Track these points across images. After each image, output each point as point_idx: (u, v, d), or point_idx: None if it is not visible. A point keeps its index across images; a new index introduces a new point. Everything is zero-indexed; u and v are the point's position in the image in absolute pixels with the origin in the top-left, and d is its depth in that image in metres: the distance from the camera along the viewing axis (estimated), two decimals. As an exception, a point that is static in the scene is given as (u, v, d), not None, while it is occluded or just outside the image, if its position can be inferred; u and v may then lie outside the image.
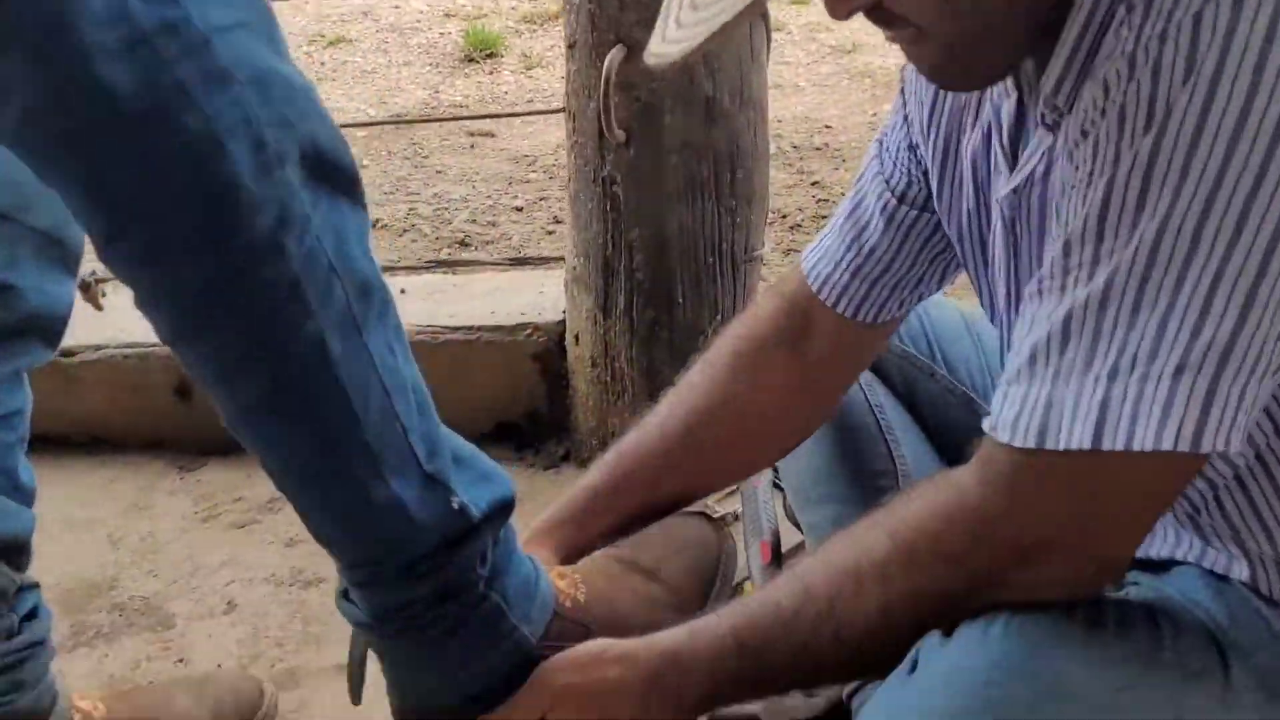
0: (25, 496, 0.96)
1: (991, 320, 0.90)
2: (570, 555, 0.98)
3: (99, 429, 1.68)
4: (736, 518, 1.40)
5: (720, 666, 0.76)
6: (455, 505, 0.81)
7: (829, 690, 1.10)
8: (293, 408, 0.75)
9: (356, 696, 0.91)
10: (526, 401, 1.60)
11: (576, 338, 1.50)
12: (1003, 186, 0.78)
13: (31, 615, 0.98)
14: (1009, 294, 0.82)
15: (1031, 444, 0.62)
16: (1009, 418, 0.64)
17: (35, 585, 0.99)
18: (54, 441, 1.72)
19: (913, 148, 0.90)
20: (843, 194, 2.84)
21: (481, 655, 0.85)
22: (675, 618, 1.02)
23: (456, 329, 1.58)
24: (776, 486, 1.37)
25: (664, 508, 1.02)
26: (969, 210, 0.86)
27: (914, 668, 0.68)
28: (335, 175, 0.75)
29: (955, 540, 0.67)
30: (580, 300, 1.48)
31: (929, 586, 0.68)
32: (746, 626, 0.75)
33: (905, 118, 0.90)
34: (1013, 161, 0.77)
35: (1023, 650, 0.64)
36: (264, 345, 0.73)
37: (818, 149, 3.00)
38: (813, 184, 2.70)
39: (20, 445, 0.96)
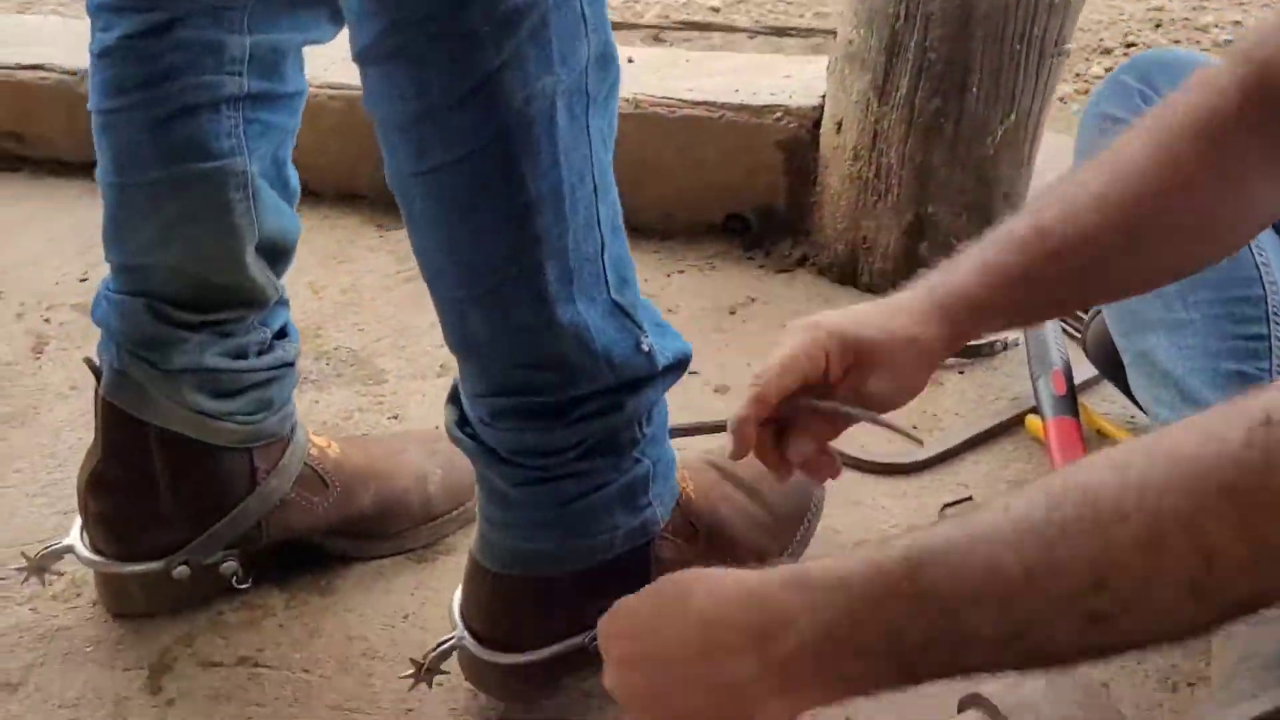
0: (290, 197, 0.85)
1: None
2: (931, 349, 0.73)
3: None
4: (1005, 346, 1.25)
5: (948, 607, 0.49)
6: (645, 347, 0.69)
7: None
8: (496, 179, 0.61)
9: None
10: (763, 195, 1.44)
11: (839, 125, 1.33)
12: None
13: (282, 334, 0.89)
14: None
15: None
16: None
17: (287, 302, 0.89)
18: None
19: None
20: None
21: (610, 526, 0.73)
22: (772, 543, 0.88)
23: (697, 104, 1.42)
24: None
25: (1056, 307, 0.82)
26: None
27: None
28: None
29: None
30: (851, 81, 1.30)
31: None
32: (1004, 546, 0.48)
33: None
34: None
35: None
36: (486, 88, 0.58)
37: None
38: None
39: (293, 137, 0.84)
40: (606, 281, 0.67)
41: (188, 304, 0.81)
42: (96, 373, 0.84)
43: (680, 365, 0.74)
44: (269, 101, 0.80)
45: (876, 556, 0.52)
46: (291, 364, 0.89)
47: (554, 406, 0.68)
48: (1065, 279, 0.73)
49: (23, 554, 0.89)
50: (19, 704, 0.84)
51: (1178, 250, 0.75)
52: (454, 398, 0.75)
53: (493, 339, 0.67)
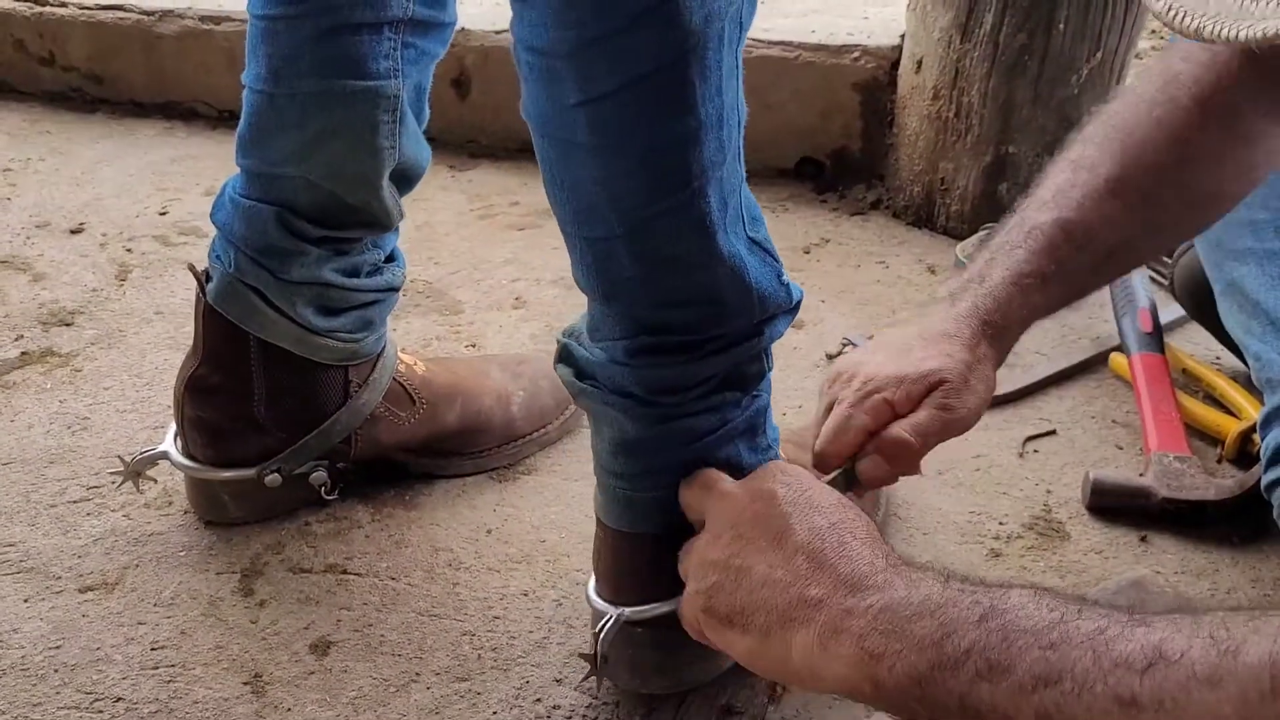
0: (422, 125, 0.85)
1: None
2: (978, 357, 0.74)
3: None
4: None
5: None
6: (784, 280, 0.69)
7: (1239, 474, 0.95)
8: (669, 102, 0.59)
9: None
10: (838, 137, 1.43)
11: (919, 64, 1.32)
12: None
13: (390, 258, 0.89)
14: None
15: None
16: None
17: (398, 229, 0.89)
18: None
19: None
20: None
21: (736, 467, 0.70)
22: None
23: (772, 44, 1.41)
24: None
25: (1080, 296, 0.79)
26: None
27: None
28: None
29: None
30: (933, 17, 1.28)
31: None
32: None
33: None
34: None
35: None
36: (664, 7, 0.57)
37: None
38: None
39: (434, 66, 0.84)
40: (742, 217, 0.66)
41: (315, 218, 0.82)
42: (201, 279, 0.85)
43: (799, 303, 0.72)
44: (427, 29, 0.80)
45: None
46: (396, 289, 0.89)
47: (695, 342, 0.67)
48: (1093, 269, 0.75)
49: (118, 457, 0.91)
50: (117, 601, 0.86)
51: (1196, 216, 0.77)
52: (563, 357, 0.72)
53: (642, 277, 0.64)
